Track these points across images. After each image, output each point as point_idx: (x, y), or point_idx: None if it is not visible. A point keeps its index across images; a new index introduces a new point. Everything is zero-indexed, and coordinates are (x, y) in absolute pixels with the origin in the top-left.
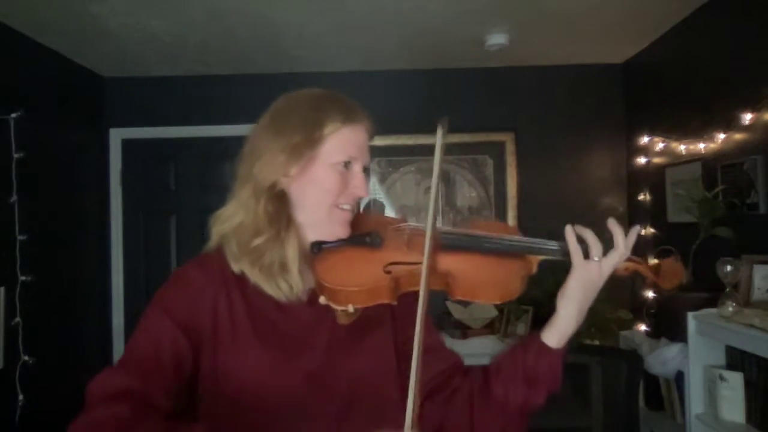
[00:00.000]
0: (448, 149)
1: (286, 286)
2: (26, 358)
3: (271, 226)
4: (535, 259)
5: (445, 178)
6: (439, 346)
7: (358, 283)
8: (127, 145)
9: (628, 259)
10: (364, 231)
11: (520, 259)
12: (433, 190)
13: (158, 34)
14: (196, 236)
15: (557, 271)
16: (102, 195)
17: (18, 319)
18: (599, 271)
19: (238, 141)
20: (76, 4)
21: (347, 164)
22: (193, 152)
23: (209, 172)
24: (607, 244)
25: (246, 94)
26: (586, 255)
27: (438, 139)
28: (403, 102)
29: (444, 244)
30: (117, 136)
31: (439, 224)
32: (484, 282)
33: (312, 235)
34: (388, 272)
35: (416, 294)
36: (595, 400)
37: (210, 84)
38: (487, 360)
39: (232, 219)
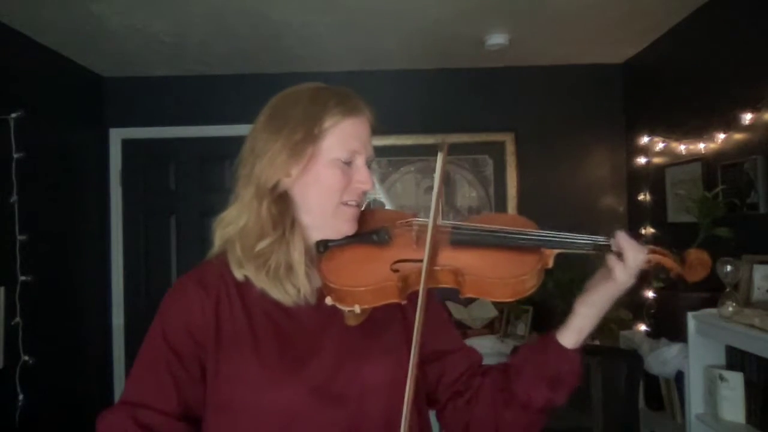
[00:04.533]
0: (449, 150)
1: (293, 289)
2: (26, 358)
3: (276, 229)
4: (551, 253)
5: (446, 178)
6: (460, 346)
7: (364, 282)
8: (127, 145)
9: (652, 251)
10: (372, 228)
11: (535, 253)
12: (433, 209)
13: (158, 34)
14: (196, 236)
15: (556, 271)
16: (102, 195)
17: (18, 319)
18: (631, 275)
19: (238, 141)
20: (76, 4)
21: (349, 159)
22: (193, 152)
23: (209, 172)
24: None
25: (246, 94)
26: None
27: (438, 162)
28: (403, 102)
29: (453, 239)
30: (117, 136)
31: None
32: (497, 279)
33: (317, 235)
34: (396, 270)
35: (430, 292)
36: (595, 400)
37: (210, 84)
38: (487, 360)
39: (236, 222)
